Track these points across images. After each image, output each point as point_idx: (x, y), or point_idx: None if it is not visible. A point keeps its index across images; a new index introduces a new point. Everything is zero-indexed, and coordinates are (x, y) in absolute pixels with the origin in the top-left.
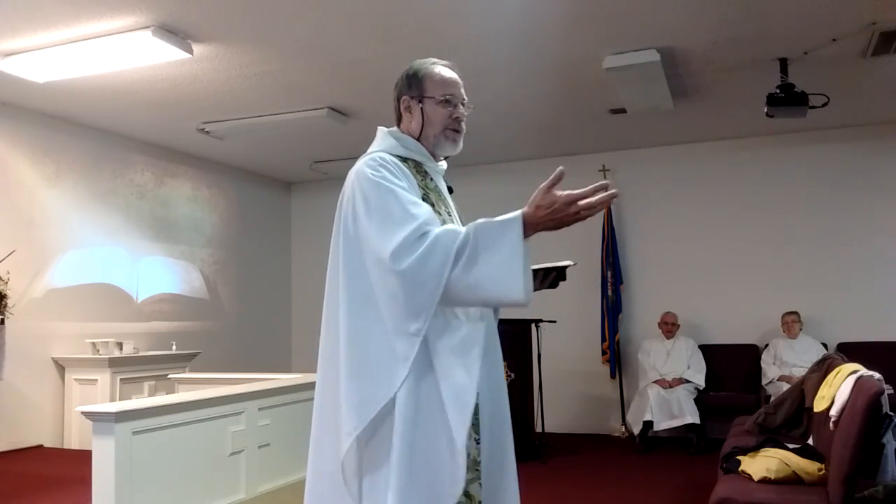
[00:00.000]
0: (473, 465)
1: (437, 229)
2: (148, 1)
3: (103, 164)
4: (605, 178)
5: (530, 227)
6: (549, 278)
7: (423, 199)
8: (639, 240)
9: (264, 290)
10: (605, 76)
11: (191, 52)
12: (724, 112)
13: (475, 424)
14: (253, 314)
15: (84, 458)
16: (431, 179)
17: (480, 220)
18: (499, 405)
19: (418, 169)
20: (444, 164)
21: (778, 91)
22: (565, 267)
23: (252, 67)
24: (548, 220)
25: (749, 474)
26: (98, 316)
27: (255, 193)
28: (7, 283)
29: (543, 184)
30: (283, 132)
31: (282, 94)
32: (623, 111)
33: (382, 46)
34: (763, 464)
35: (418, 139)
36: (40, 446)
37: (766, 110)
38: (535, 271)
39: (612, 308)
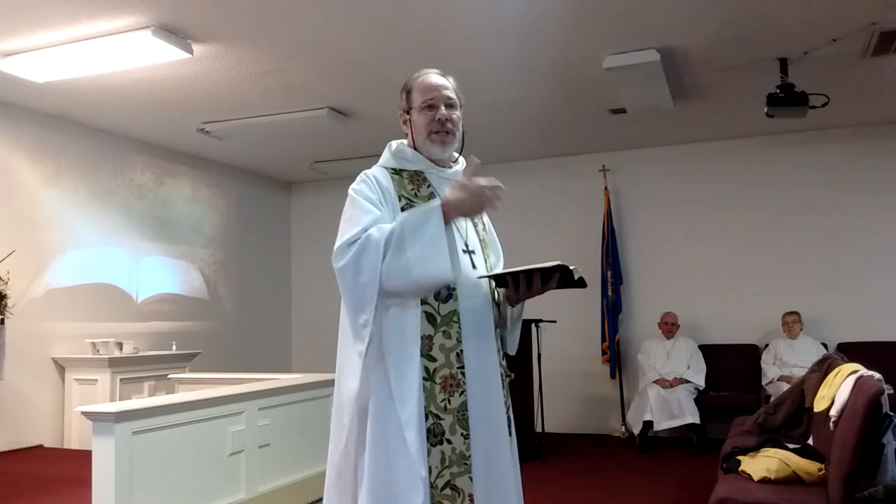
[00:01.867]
0: (461, 459)
1: (370, 230)
2: (148, 1)
3: (103, 164)
4: (604, 178)
5: (451, 209)
6: (552, 280)
7: (403, 209)
8: (639, 240)
9: (264, 290)
10: (605, 76)
11: (191, 52)
12: (724, 112)
13: (463, 420)
14: (253, 314)
15: (84, 458)
16: (429, 186)
17: (405, 213)
18: (491, 399)
19: (414, 178)
20: (457, 167)
21: (778, 91)
22: (565, 268)
23: (252, 67)
24: (468, 201)
25: (749, 474)
26: (98, 316)
27: (255, 193)
28: (7, 283)
29: (465, 174)
30: (283, 132)
31: (282, 94)
32: (623, 111)
33: (382, 46)
34: (763, 464)
35: (416, 148)
36: (40, 446)
37: (766, 110)
38: (528, 272)
39: (612, 308)
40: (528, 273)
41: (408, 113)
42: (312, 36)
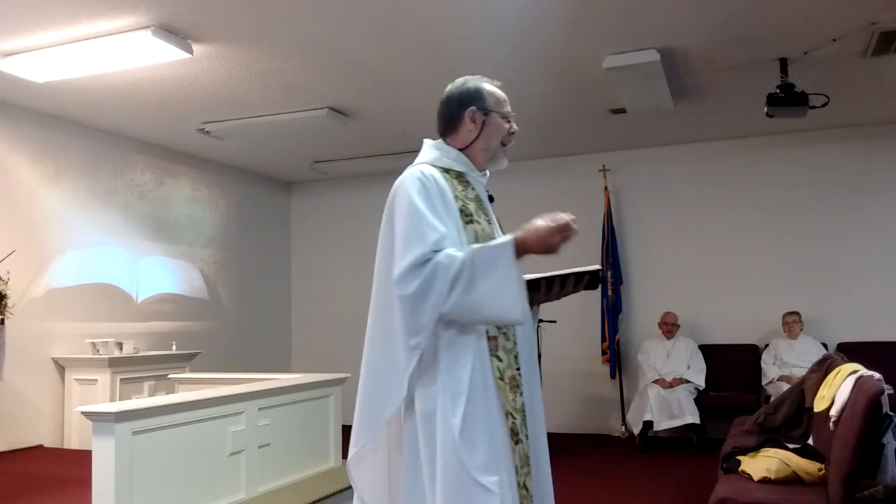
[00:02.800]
0: (527, 460)
1: (438, 255)
2: (148, 1)
3: (103, 164)
4: (604, 178)
5: (522, 250)
6: (581, 283)
7: (462, 210)
8: (639, 240)
9: (264, 290)
10: (605, 76)
11: (191, 52)
12: (724, 112)
13: (523, 421)
14: (253, 314)
15: (84, 458)
16: (473, 189)
17: (476, 245)
18: (537, 401)
19: (460, 179)
20: (486, 173)
21: (778, 91)
22: (596, 272)
23: (252, 67)
24: (538, 244)
25: (749, 474)
26: (98, 316)
27: (255, 193)
28: (7, 283)
29: (547, 217)
30: (283, 132)
31: (282, 94)
32: (623, 111)
33: (382, 47)
34: (763, 464)
35: (463, 150)
36: (40, 446)
37: (766, 110)
38: (563, 276)
39: (612, 308)
40: (566, 276)
41: (485, 114)
42: (312, 36)
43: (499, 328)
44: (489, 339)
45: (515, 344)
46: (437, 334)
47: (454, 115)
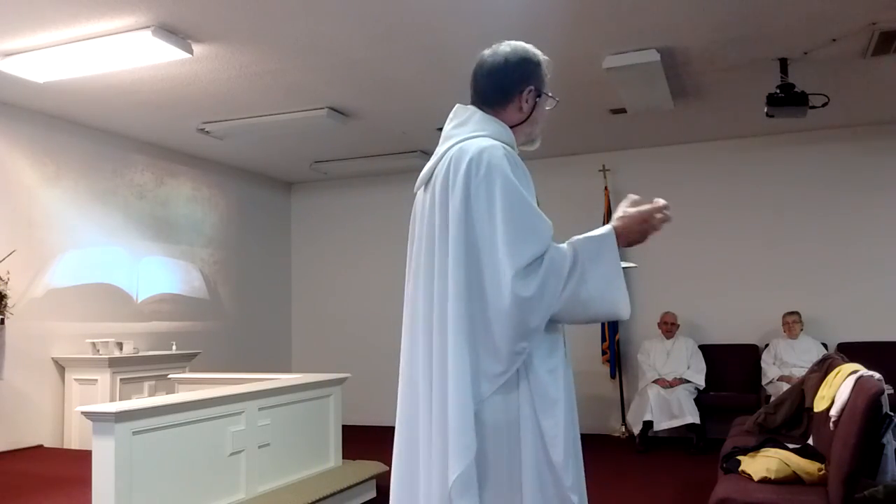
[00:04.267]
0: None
1: (550, 250)
2: (148, 1)
3: (103, 163)
4: (605, 178)
5: (621, 239)
6: None
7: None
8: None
9: (264, 290)
10: (605, 76)
11: (191, 52)
12: (724, 112)
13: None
14: (253, 314)
15: (84, 458)
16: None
17: (577, 238)
18: (574, 409)
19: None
20: None
21: (778, 91)
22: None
23: (252, 67)
24: (636, 231)
25: (749, 474)
26: (98, 316)
27: (255, 193)
28: (7, 283)
29: (631, 200)
30: (283, 132)
31: (282, 94)
32: (623, 111)
33: (382, 46)
34: (763, 464)
35: (512, 128)
36: (40, 446)
37: (766, 110)
38: None
39: None
40: None
41: (538, 95)
42: (312, 36)
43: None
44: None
45: (566, 344)
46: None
47: (510, 89)
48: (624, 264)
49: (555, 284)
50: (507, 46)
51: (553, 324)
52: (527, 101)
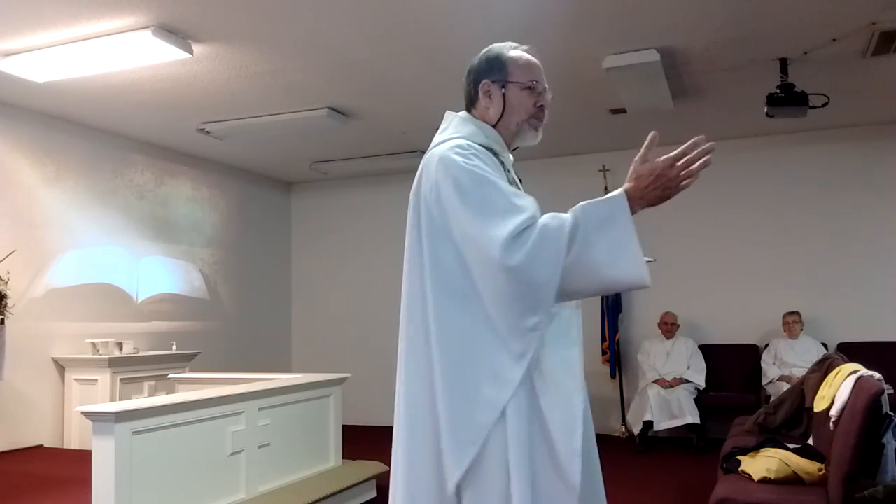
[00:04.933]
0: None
1: (541, 219)
2: (148, 1)
3: (103, 164)
4: (605, 178)
5: (635, 201)
6: None
7: None
8: (638, 239)
9: (264, 290)
10: (605, 76)
11: (191, 52)
12: (724, 112)
13: (588, 425)
14: (253, 314)
15: (84, 458)
16: (509, 171)
17: (583, 203)
18: (587, 412)
19: (496, 160)
20: (511, 156)
21: (778, 91)
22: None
23: (252, 67)
24: (651, 189)
25: (749, 474)
26: (98, 316)
27: (255, 193)
28: (7, 283)
29: (638, 154)
30: (283, 132)
31: (282, 94)
32: (623, 111)
33: (382, 46)
34: (763, 464)
35: (494, 127)
36: (40, 446)
37: (766, 110)
38: None
39: (612, 308)
40: None
41: (502, 86)
42: (312, 36)
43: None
44: None
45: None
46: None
47: (471, 90)
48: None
49: (552, 249)
50: (485, 49)
51: (563, 309)
52: (489, 96)
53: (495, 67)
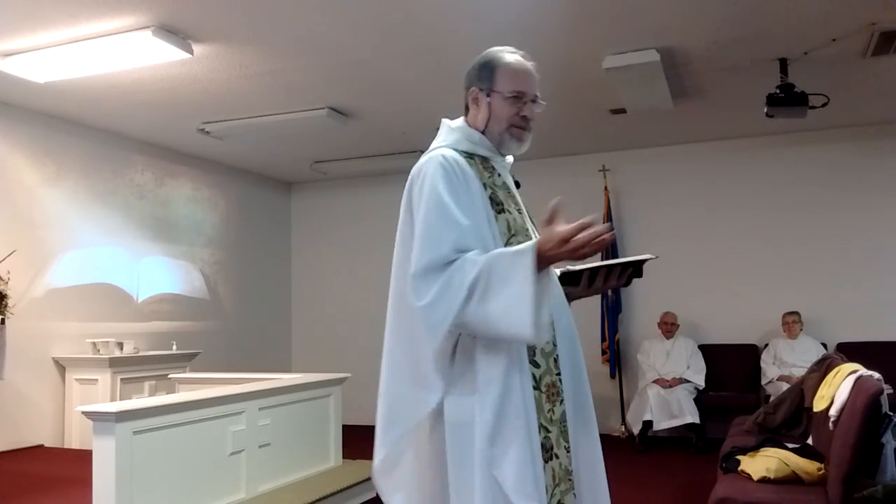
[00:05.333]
0: (566, 475)
1: (457, 261)
2: (148, 1)
3: (103, 164)
4: (604, 178)
5: (543, 259)
6: (625, 274)
7: (492, 198)
8: (639, 240)
9: (264, 290)
10: (605, 76)
11: (191, 52)
12: (724, 112)
13: (565, 432)
14: (253, 314)
15: (84, 457)
16: (499, 175)
17: (496, 252)
18: (584, 407)
19: (486, 165)
20: (510, 159)
21: (778, 91)
22: (642, 262)
23: (252, 67)
24: (556, 252)
25: (749, 474)
26: (98, 316)
27: (255, 193)
28: (7, 283)
29: (542, 218)
30: (284, 132)
31: (282, 94)
32: (623, 111)
33: (382, 47)
34: (763, 463)
35: (483, 132)
36: (41, 446)
37: (766, 110)
38: (609, 267)
39: (612, 308)
40: (611, 267)
41: (487, 95)
42: (313, 36)
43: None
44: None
45: (555, 346)
46: (474, 336)
47: (465, 95)
48: (643, 256)
49: (452, 297)
50: (482, 53)
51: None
52: (476, 103)
53: (484, 75)
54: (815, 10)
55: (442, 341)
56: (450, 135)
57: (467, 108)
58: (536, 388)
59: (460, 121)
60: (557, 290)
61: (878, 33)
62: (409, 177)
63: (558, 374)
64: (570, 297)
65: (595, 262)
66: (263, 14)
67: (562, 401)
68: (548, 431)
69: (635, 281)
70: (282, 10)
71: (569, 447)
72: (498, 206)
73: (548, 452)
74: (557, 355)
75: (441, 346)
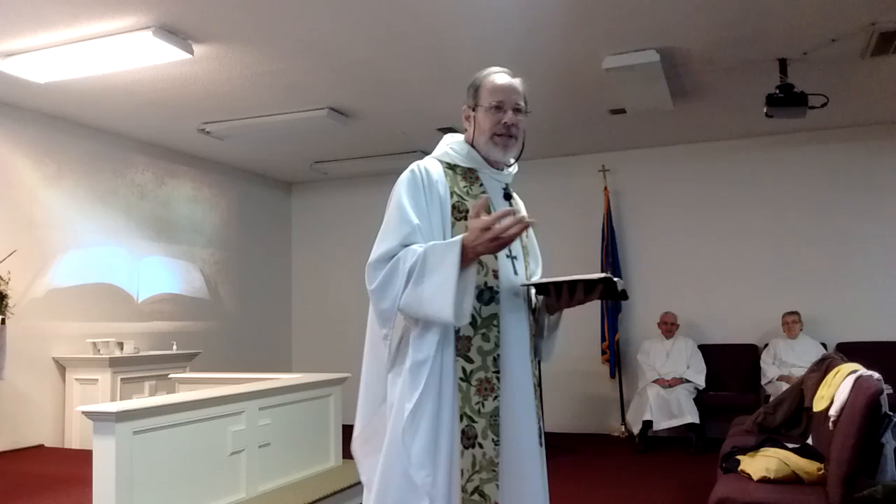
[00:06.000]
0: (490, 465)
1: (403, 250)
2: (148, 1)
3: (104, 164)
4: (604, 178)
5: (468, 250)
6: (595, 292)
7: (456, 206)
8: (639, 240)
9: (264, 290)
10: (605, 76)
11: (191, 52)
12: (724, 112)
13: (494, 425)
14: (253, 314)
15: (85, 457)
16: (481, 185)
17: (433, 243)
18: (523, 407)
19: (468, 176)
20: (511, 170)
21: (777, 91)
22: (614, 281)
23: (252, 68)
24: (479, 242)
25: (748, 474)
26: (99, 316)
27: (255, 193)
28: (8, 283)
29: (472, 212)
30: (284, 132)
31: (282, 94)
32: (623, 111)
33: (383, 47)
34: (762, 463)
35: (474, 146)
36: (41, 446)
37: (765, 110)
38: (571, 283)
39: (612, 308)
40: (572, 283)
41: (473, 110)
42: (313, 36)
43: (475, 328)
44: (460, 338)
45: (497, 346)
46: (407, 329)
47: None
48: (598, 275)
49: (396, 283)
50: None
51: (426, 322)
52: (468, 119)
53: (471, 94)
54: (814, 11)
55: (390, 322)
56: (439, 148)
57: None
58: (466, 380)
59: (456, 136)
60: (524, 304)
61: (878, 33)
62: None
63: (496, 371)
64: (550, 309)
65: (560, 277)
66: (264, 14)
67: (496, 397)
68: (472, 421)
69: (635, 281)
70: (282, 11)
71: (497, 440)
72: (459, 214)
73: (469, 440)
74: (499, 355)
75: (388, 330)
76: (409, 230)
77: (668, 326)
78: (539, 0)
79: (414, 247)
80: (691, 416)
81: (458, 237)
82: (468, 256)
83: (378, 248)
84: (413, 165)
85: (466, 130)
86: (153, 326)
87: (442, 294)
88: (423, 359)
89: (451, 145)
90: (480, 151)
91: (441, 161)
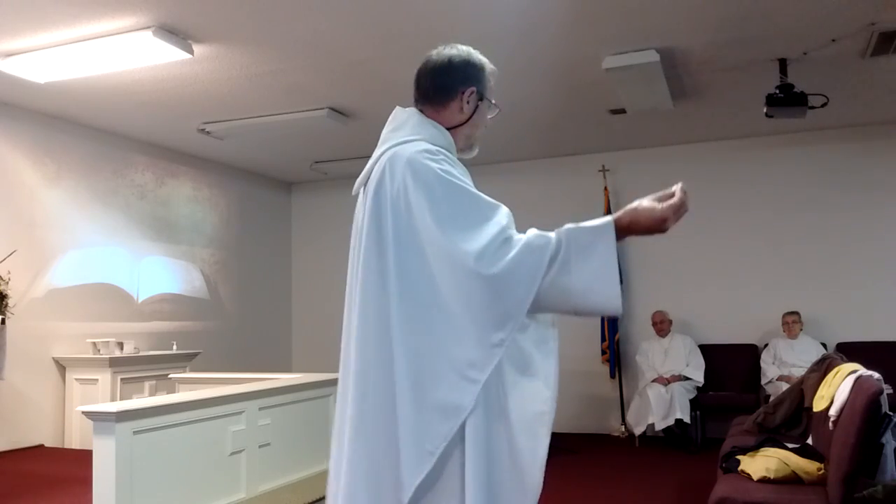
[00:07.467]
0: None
1: (522, 234)
2: (149, 1)
3: (104, 164)
4: (604, 178)
5: (623, 231)
6: None
7: None
8: (638, 240)
9: (264, 290)
10: (605, 76)
11: (191, 52)
12: (724, 112)
13: None
14: (253, 314)
15: (85, 457)
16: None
17: (570, 226)
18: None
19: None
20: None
21: (777, 91)
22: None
23: (252, 68)
24: (645, 225)
25: (748, 474)
26: (99, 316)
27: (255, 193)
28: (8, 283)
29: (661, 193)
30: (284, 132)
31: (282, 94)
32: (623, 111)
33: (383, 47)
34: (762, 463)
35: (450, 131)
36: (41, 446)
37: (765, 110)
38: None
39: None
40: None
41: (480, 98)
42: (313, 36)
43: None
44: None
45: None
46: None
47: (452, 88)
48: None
49: (532, 268)
50: (454, 49)
51: (542, 322)
52: (468, 103)
53: (479, 78)
54: (814, 11)
55: (514, 320)
56: (422, 128)
57: (433, 101)
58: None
59: (417, 112)
60: None
61: (878, 33)
62: (392, 168)
63: None
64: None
65: None
66: (264, 14)
67: None
68: None
69: (635, 281)
70: (282, 11)
71: None
72: None
73: None
74: None
75: (506, 334)
76: (508, 215)
77: (661, 325)
78: (539, 0)
79: (536, 231)
80: (681, 412)
81: (608, 218)
82: (621, 237)
83: (482, 234)
84: (434, 150)
85: (448, 110)
86: (153, 326)
87: (606, 281)
88: (551, 367)
89: (437, 129)
90: (457, 140)
91: (438, 145)
